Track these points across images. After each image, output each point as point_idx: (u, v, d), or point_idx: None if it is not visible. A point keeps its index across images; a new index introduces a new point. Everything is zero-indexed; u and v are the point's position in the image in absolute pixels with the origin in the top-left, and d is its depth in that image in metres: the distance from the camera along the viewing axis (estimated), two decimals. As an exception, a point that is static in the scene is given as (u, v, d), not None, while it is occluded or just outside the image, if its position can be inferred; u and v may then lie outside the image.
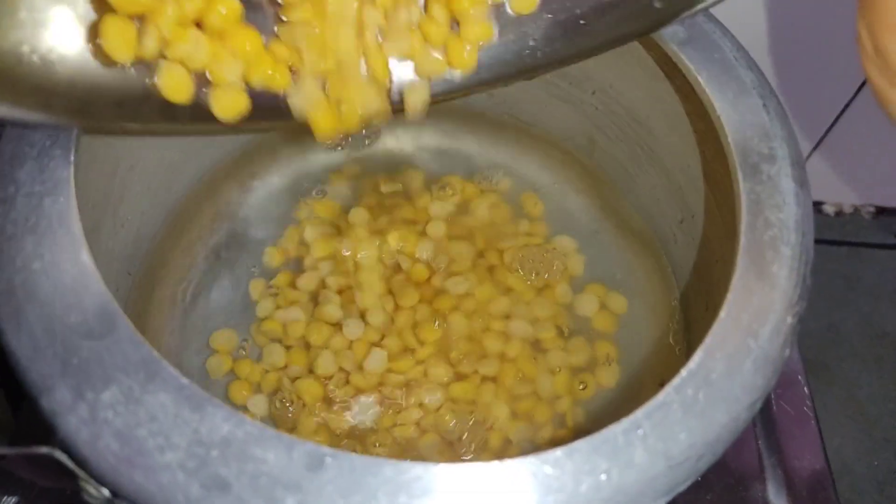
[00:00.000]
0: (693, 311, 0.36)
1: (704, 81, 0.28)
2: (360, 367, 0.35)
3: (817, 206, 0.72)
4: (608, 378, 0.36)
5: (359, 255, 0.37)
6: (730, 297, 0.23)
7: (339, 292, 0.37)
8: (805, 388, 0.43)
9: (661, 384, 0.35)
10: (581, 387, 0.35)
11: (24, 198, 0.23)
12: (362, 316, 0.36)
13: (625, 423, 0.20)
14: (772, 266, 0.24)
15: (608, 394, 0.36)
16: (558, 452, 0.19)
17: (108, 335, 0.20)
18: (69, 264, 0.22)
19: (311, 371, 0.35)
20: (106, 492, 0.20)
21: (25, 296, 0.21)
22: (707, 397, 0.21)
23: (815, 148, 0.69)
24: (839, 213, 0.81)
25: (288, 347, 0.35)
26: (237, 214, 0.39)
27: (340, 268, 0.38)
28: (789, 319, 0.23)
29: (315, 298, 0.37)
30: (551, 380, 0.35)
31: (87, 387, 0.20)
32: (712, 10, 0.31)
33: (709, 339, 0.22)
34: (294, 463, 0.19)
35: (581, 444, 0.20)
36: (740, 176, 0.25)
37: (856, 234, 0.82)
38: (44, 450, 0.21)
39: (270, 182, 0.40)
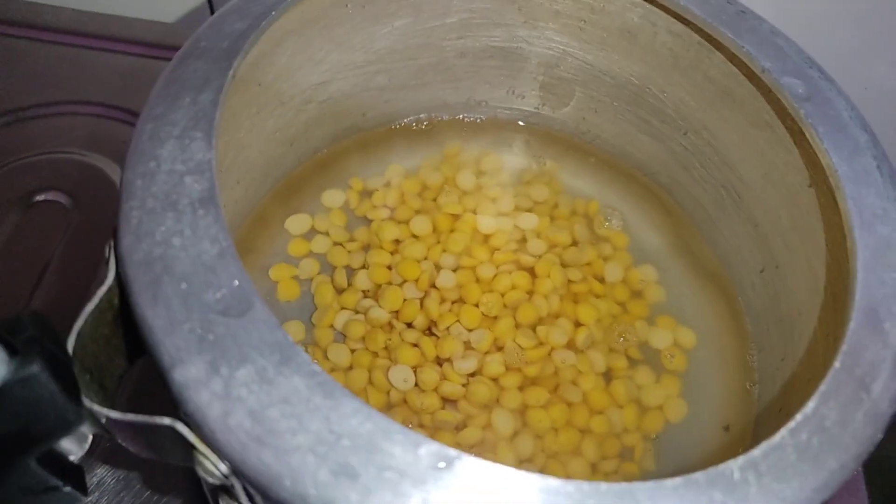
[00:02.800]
0: (766, 359, 0.36)
1: (822, 138, 0.28)
2: (429, 387, 0.35)
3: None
4: (675, 413, 0.36)
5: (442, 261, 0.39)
6: (845, 348, 0.23)
7: (422, 298, 0.37)
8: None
9: (727, 428, 0.36)
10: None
11: (166, 175, 0.24)
12: (431, 329, 0.37)
13: (741, 460, 0.21)
14: (885, 323, 0.24)
15: (671, 430, 0.36)
16: (678, 481, 0.20)
17: (245, 315, 0.21)
18: (209, 244, 0.22)
19: (371, 381, 0.35)
20: (224, 467, 0.21)
21: (164, 269, 0.22)
22: (821, 443, 0.21)
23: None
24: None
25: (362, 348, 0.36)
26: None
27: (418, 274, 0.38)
28: (899, 377, 0.23)
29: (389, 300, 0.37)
30: (620, 413, 0.35)
31: (222, 363, 0.20)
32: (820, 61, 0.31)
33: (824, 387, 0.22)
34: (420, 460, 0.19)
35: (699, 476, 0.20)
36: (856, 233, 0.26)
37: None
38: (166, 420, 0.21)
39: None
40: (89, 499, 0.35)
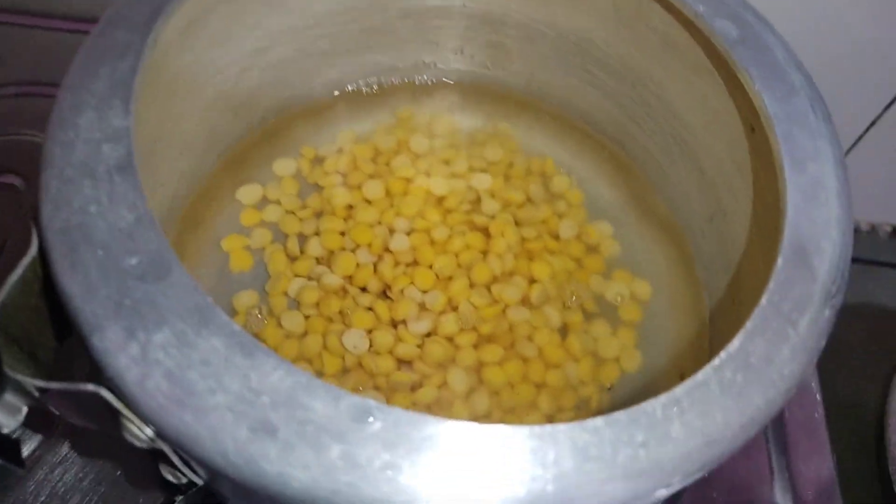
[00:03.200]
0: (717, 304, 0.36)
1: (755, 80, 0.28)
2: (383, 349, 0.35)
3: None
4: (630, 363, 0.36)
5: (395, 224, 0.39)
6: (771, 285, 0.23)
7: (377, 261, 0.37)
8: (817, 395, 0.44)
9: (682, 376, 0.36)
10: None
11: (84, 144, 0.23)
12: (386, 292, 0.37)
13: (663, 398, 0.21)
14: (813, 259, 0.24)
15: (628, 381, 0.36)
16: (598, 421, 0.20)
17: (163, 280, 0.21)
18: (126, 210, 0.22)
19: (325, 346, 0.35)
20: (149, 431, 0.21)
21: (81, 237, 0.22)
22: (745, 379, 0.21)
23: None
24: (856, 230, 0.81)
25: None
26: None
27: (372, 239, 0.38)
28: (826, 312, 0.23)
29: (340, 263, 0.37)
30: (576, 366, 0.35)
31: (139, 328, 0.20)
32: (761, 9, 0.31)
33: (749, 324, 0.22)
34: (340, 413, 0.19)
35: (620, 415, 0.20)
36: (787, 172, 0.26)
37: (871, 252, 0.82)
38: (90, 387, 0.21)
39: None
40: (55, 473, 0.35)
